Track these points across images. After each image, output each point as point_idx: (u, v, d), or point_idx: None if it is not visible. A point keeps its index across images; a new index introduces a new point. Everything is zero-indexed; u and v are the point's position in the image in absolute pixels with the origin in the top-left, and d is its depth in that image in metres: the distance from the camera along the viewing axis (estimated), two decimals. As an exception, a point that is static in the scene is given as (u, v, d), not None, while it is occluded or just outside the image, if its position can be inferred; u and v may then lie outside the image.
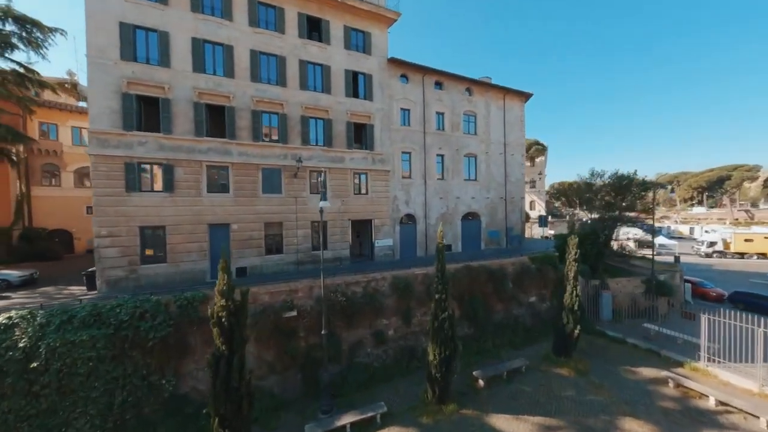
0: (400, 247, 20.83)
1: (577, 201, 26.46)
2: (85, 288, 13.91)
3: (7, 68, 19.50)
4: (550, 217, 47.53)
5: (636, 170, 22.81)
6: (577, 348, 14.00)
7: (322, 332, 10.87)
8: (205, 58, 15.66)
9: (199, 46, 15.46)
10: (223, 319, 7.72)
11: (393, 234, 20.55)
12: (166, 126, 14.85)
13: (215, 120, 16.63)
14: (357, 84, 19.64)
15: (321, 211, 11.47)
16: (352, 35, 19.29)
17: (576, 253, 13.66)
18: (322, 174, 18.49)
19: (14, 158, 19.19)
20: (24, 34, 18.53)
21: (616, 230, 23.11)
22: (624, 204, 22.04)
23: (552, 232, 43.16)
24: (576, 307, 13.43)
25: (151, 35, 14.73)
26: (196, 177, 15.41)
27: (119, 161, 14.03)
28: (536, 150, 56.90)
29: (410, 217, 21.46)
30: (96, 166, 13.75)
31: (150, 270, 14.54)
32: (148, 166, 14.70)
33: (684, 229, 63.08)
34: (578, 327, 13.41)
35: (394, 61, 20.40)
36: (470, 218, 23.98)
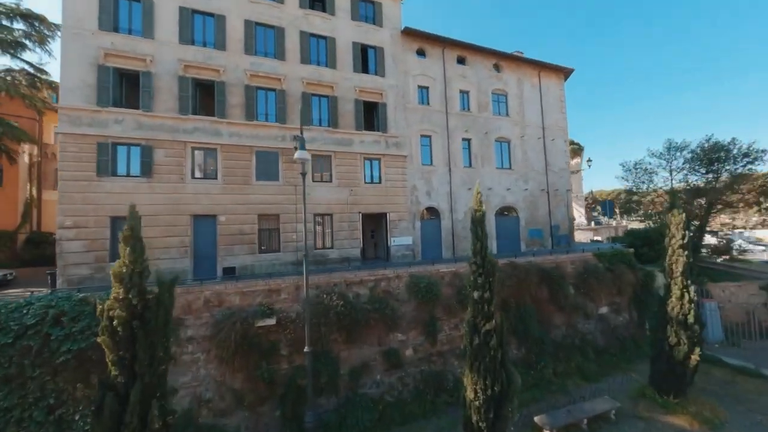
0: (421, 246, 17.36)
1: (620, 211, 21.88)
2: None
3: (17, 68, 19.35)
4: (593, 223, 41.87)
5: (734, 138, 17.58)
6: (693, 383, 9.50)
7: (305, 350, 7.54)
8: (193, 29, 13.94)
9: (187, 15, 13.80)
10: (118, 326, 4.78)
11: (412, 231, 17.19)
12: (147, 102, 12.99)
13: (203, 97, 14.71)
14: (367, 58, 17.22)
15: (302, 165, 8.67)
16: (360, 5, 17.11)
17: (684, 237, 9.40)
18: (328, 158, 15.83)
19: (13, 156, 18.58)
20: (33, 32, 18.25)
21: (709, 218, 17.99)
22: (717, 183, 16.89)
23: (599, 237, 37.43)
24: (692, 320, 9.10)
25: (134, 5, 13.26)
26: (179, 160, 13.27)
27: (91, 141, 12.19)
28: (572, 150, 51.73)
29: (433, 211, 18.06)
30: (64, 147, 11.97)
31: (120, 268, 12.20)
32: (124, 148, 12.76)
33: None
34: (698, 350, 8.99)
35: (408, 33, 17.89)
36: (506, 214, 20.09)
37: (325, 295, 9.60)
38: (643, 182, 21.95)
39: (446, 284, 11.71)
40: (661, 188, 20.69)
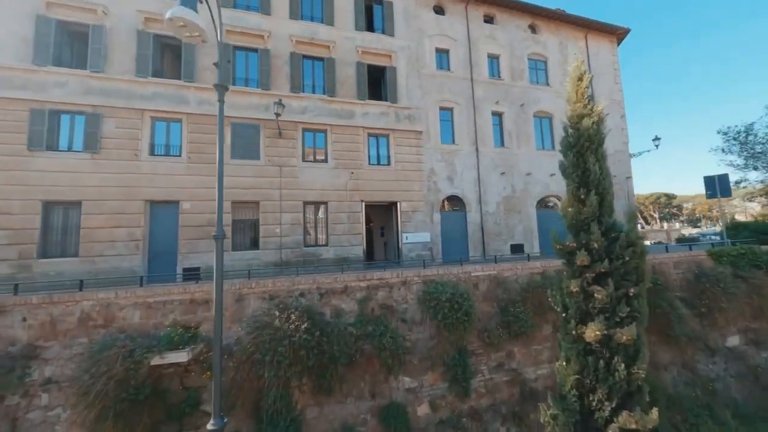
0: (441, 245, 13.65)
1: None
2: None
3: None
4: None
5: None
6: None
7: (212, 424, 3.72)
8: (158, -23, 11.49)
9: (150, -40, 11.38)
10: None
11: (430, 225, 13.55)
12: (97, 62, 10.52)
13: (169, 58, 12.13)
14: (372, 14, 14.16)
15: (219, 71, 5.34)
16: (364, -48, 14.17)
17: None
18: (323, 134, 12.71)
19: None
20: None
21: None
22: None
23: (647, 242, 31.86)
24: None
25: (88, -52, 11.01)
26: (133, 132, 10.61)
27: (23, 107, 9.79)
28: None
29: (456, 201, 14.36)
30: (-11, 114, 9.63)
31: (51, 266, 9.54)
32: (66, 116, 10.28)
33: None
34: None
35: (423, -15, 14.70)
36: (549, 205, 15.97)
37: (279, 313, 5.97)
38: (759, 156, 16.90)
39: (482, 296, 7.93)
40: None
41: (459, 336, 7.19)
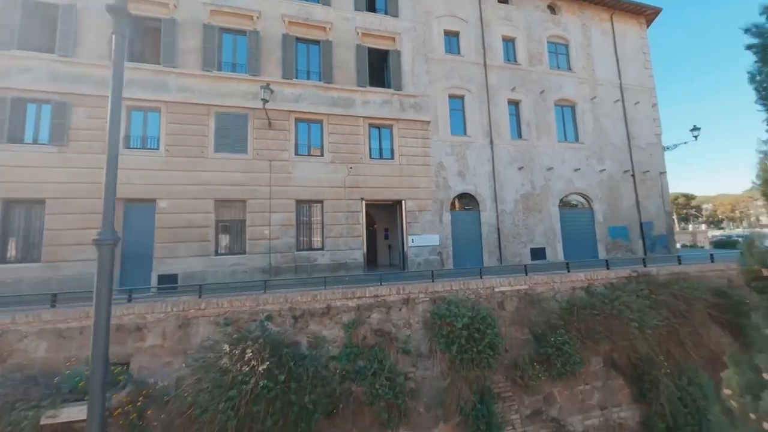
0: (452, 248, 12.12)
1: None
2: None
3: None
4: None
5: None
6: None
7: None
8: (137, -47, 10.44)
9: (128, -65, 10.34)
10: None
11: (439, 226, 12.06)
12: (66, 45, 9.49)
13: (148, 41, 11.04)
14: (373, -7, 12.85)
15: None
16: (364, -73, 12.90)
17: None
18: (319, 125, 11.41)
19: None
20: None
21: None
22: None
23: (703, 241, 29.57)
24: None
25: (61, -77, 10.04)
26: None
27: (-17, 95, 8.80)
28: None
29: (468, 199, 12.82)
30: (-55, 102, 8.66)
31: (8, 273, 8.47)
32: (32, 106, 9.27)
33: None
34: None
35: (430, -39, 13.30)
36: (574, 205, 14.26)
37: (229, 347, 4.47)
38: None
39: (510, 319, 6.29)
40: None
41: (480, 374, 5.45)
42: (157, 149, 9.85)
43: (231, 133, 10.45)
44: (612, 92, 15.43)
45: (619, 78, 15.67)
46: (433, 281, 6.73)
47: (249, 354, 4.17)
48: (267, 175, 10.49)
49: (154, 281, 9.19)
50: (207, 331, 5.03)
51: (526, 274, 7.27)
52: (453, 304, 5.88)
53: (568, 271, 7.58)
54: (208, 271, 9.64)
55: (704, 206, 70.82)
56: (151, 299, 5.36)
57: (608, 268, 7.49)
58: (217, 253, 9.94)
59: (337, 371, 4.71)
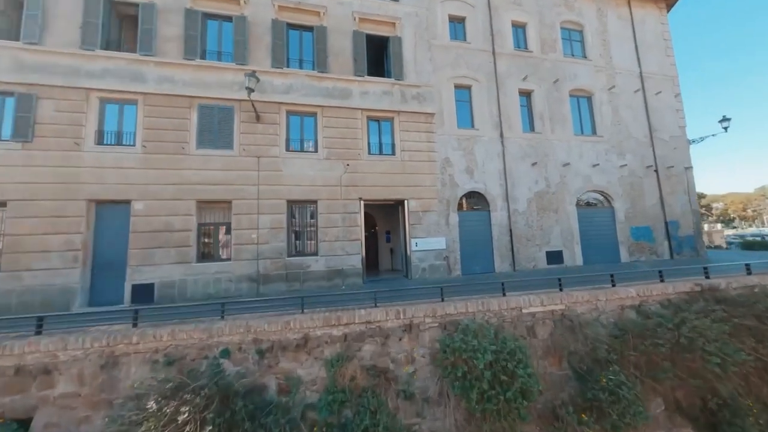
0: (460, 252, 11.02)
1: None
2: None
3: None
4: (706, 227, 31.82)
5: None
6: None
7: None
8: (112, -68, 9.58)
9: None
10: None
11: (446, 228, 10.97)
12: (33, 31, 8.62)
13: (123, 27, 10.16)
14: (371, -25, 11.86)
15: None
16: None
17: None
18: (312, 118, 10.43)
19: None
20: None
21: None
22: None
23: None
24: None
25: None
26: (76, 117, 8.61)
27: (-62, 86, 7.95)
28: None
29: (477, 198, 11.72)
30: None
31: (-37, 284, 7.56)
32: (-6, 99, 8.40)
33: None
34: None
35: (433, -60, 12.29)
36: (593, 203, 13.08)
37: (156, 405, 3.26)
38: None
39: (543, 348, 5.10)
40: None
41: (509, 427, 4.14)
42: (133, 145, 8.92)
43: (215, 127, 9.50)
44: (631, 81, 14.25)
45: (639, 66, 14.47)
46: (442, 300, 5.45)
47: (185, 415, 3.03)
48: (255, 173, 9.51)
49: (127, 293, 8.23)
50: (140, 372, 3.90)
51: (561, 289, 5.87)
52: (470, 332, 4.59)
53: (613, 285, 6.18)
54: (189, 279, 8.66)
55: (714, 205, 68.81)
56: (65, 331, 4.11)
57: (662, 281, 6.12)
58: (199, 260, 8.96)
59: (316, 427, 3.58)
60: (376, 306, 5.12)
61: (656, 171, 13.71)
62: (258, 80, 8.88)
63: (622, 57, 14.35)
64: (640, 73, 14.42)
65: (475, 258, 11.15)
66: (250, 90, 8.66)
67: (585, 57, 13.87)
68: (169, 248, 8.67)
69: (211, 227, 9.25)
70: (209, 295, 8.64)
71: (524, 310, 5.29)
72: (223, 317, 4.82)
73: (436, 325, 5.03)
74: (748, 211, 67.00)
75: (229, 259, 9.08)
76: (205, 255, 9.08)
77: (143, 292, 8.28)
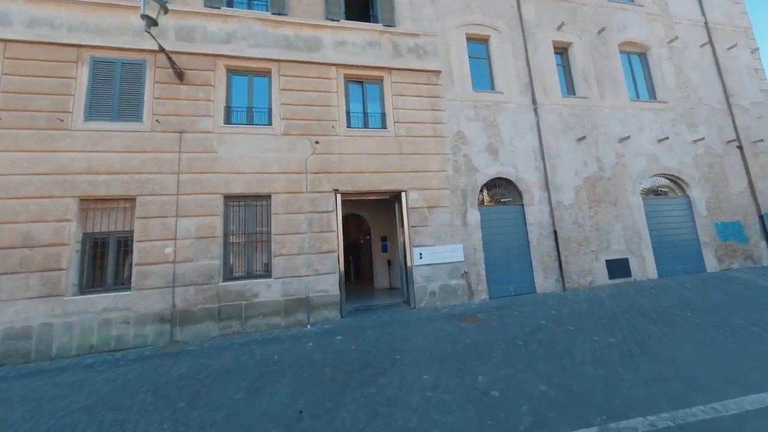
0: (485, 266, 7.59)
1: None
2: None
3: None
4: None
5: None
6: None
7: None
8: None
9: None
10: None
11: (462, 230, 7.59)
12: None
13: None
14: None
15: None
16: None
17: None
18: (265, 78, 7.29)
19: None
20: None
21: None
22: None
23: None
24: None
25: None
26: None
27: None
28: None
29: (505, 187, 8.35)
30: None
31: None
32: None
33: None
34: None
35: None
36: (662, 192, 9.62)
37: None
38: None
39: None
40: None
41: None
42: (-20, 116, 5.84)
43: (115, 89, 6.39)
44: (696, 34, 10.91)
45: (703, 14, 11.15)
46: None
47: None
48: (175, 156, 6.33)
49: (-53, 349, 5.01)
50: None
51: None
52: None
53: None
54: (58, 323, 5.41)
55: None
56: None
57: None
58: (83, 291, 5.73)
59: None
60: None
61: (740, 147, 10.22)
62: (165, 11, 5.73)
63: (681, 3, 11.06)
64: (705, 22, 11.09)
65: (507, 273, 7.73)
66: (150, 21, 5.50)
67: (634, 2, 10.60)
68: (28, 274, 5.46)
69: (102, 239, 6.02)
70: (90, 347, 5.38)
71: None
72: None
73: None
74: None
75: (128, 289, 5.82)
76: (90, 283, 5.84)
77: (-25, 349, 5.06)
